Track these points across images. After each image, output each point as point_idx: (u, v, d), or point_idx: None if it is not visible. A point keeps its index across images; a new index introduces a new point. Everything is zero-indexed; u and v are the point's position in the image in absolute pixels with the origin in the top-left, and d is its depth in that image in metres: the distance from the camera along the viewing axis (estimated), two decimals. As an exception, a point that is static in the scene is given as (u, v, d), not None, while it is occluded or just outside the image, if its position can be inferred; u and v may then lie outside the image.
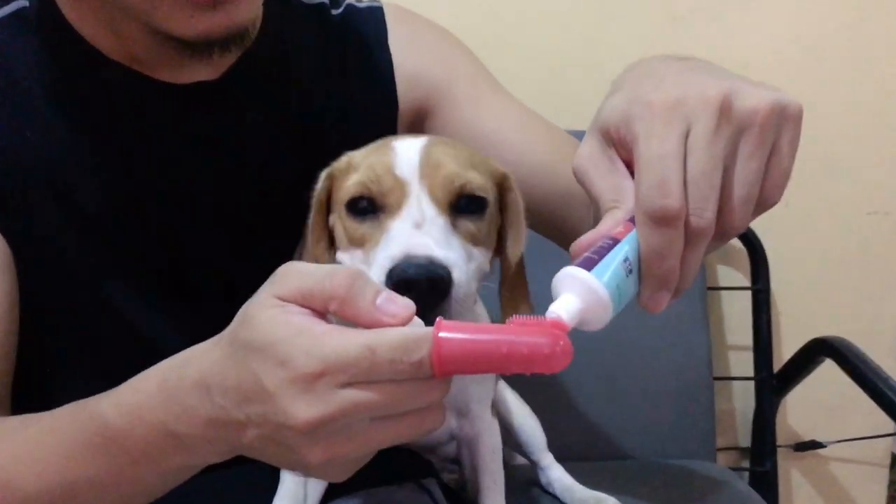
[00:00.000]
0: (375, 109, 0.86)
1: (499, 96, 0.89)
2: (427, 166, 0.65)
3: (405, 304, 0.47)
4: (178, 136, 0.75)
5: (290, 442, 0.47)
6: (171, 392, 0.52)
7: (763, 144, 0.49)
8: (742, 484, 1.25)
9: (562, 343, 0.43)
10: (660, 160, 0.48)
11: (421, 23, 0.90)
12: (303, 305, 0.47)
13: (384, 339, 0.45)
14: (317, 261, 0.69)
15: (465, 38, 0.93)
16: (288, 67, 0.81)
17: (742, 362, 1.53)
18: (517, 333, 0.43)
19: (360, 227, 0.66)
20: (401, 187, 0.64)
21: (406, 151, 0.66)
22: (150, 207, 0.75)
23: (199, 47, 0.68)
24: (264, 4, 0.76)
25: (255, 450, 0.50)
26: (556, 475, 1.15)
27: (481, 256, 0.67)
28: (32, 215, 0.71)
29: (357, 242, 0.66)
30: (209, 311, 0.75)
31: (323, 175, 0.72)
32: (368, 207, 0.66)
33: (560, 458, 1.18)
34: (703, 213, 0.48)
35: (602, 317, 0.47)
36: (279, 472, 0.79)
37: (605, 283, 0.47)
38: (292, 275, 0.49)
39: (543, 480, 1.16)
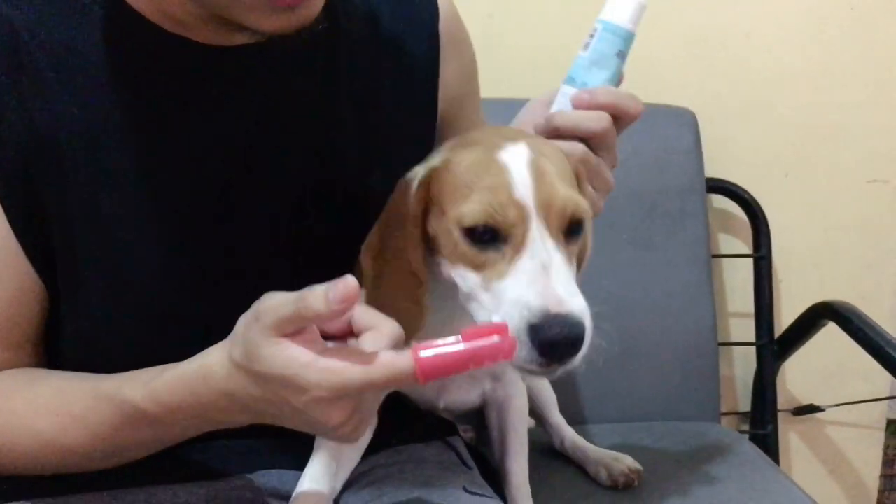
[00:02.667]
0: (422, 89, 0.86)
1: (478, 120, 0.94)
2: (541, 191, 0.65)
3: (346, 285, 0.55)
4: (221, 100, 0.74)
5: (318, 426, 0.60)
6: (204, 400, 0.62)
7: None
8: (748, 444, 1.28)
9: (510, 339, 0.55)
10: None
11: (462, 26, 0.90)
12: (288, 332, 0.57)
13: (377, 374, 0.55)
14: (414, 276, 0.71)
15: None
16: (338, 35, 0.80)
17: (742, 329, 1.56)
18: (476, 341, 0.54)
19: (482, 255, 0.66)
20: (522, 218, 0.64)
21: (518, 170, 0.66)
22: (191, 171, 0.74)
23: (268, 37, 0.68)
24: None
25: (286, 424, 0.62)
26: (568, 434, 1.18)
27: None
28: (76, 187, 0.71)
29: (475, 267, 0.66)
30: (237, 282, 0.76)
31: (416, 182, 0.71)
32: (489, 236, 0.65)
33: (569, 422, 1.20)
34: None
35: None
36: (312, 441, 0.80)
37: None
38: (271, 308, 0.57)
39: (555, 440, 1.18)
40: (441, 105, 0.87)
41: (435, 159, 0.72)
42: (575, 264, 0.68)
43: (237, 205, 0.76)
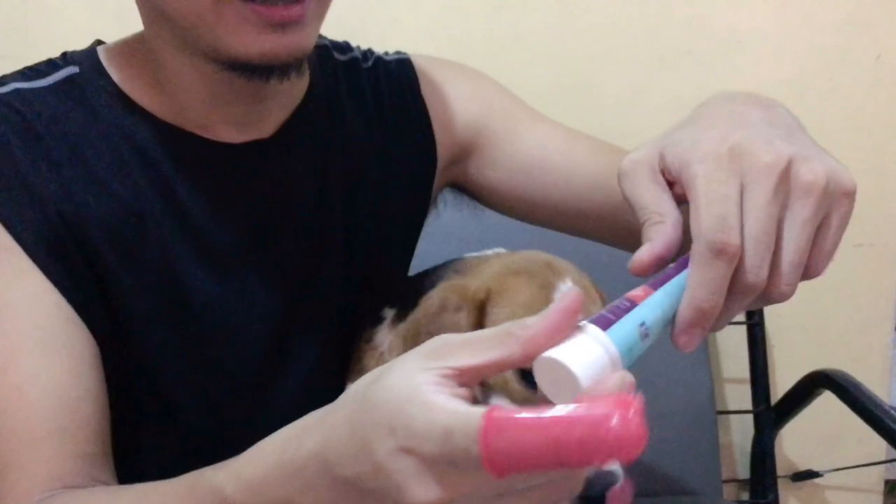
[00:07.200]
0: (416, 158, 0.88)
1: (537, 122, 0.91)
2: None
3: (573, 293, 0.45)
4: (233, 193, 0.76)
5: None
6: (289, 467, 0.49)
7: (816, 215, 0.50)
8: (751, 518, 1.27)
9: (632, 415, 0.35)
10: (722, 199, 0.49)
11: (448, 67, 0.92)
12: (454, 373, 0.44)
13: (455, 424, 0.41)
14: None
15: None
16: (334, 121, 0.83)
17: (738, 395, 1.56)
18: (575, 410, 0.37)
19: (531, 398, 0.63)
20: None
21: None
22: (211, 263, 0.76)
23: (260, 71, 0.68)
24: (308, 61, 0.78)
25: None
26: (573, 515, 1.17)
27: None
28: (105, 279, 0.72)
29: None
30: (255, 367, 0.79)
31: (464, 305, 0.67)
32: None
33: None
34: (760, 272, 0.49)
35: None
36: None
37: (618, 345, 0.46)
38: (452, 339, 0.45)
39: (559, 520, 1.17)
40: (466, 136, 0.89)
41: (475, 275, 0.71)
42: None
43: (250, 293, 0.78)
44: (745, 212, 0.49)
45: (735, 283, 0.50)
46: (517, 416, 0.38)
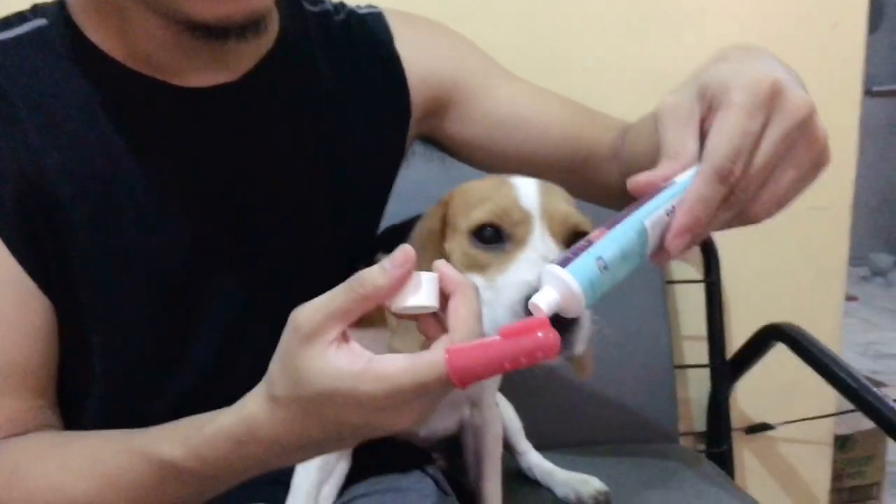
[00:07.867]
0: (391, 110, 0.90)
1: (510, 81, 0.94)
2: (546, 204, 0.70)
3: (404, 250, 0.53)
4: (203, 139, 0.76)
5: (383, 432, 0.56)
6: (250, 452, 0.58)
7: (810, 162, 0.58)
8: (706, 461, 1.33)
9: (550, 336, 0.50)
10: (744, 135, 0.55)
11: (423, 23, 0.94)
12: (334, 334, 0.53)
13: (416, 376, 0.51)
14: None
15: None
16: (305, 68, 0.83)
17: (695, 351, 1.62)
18: (516, 338, 0.50)
19: (485, 254, 0.69)
20: (526, 221, 0.69)
21: (527, 189, 0.71)
22: (182, 211, 0.76)
23: (216, 33, 0.69)
24: (278, 10, 0.79)
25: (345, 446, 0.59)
26: (535, 460, 1.21)
27: None
28: (66, 235, 0.72)
29: (478, 268, 0.69)
30: (227, 320, 0.80)
31: (435, 206, 0.76)
32: (494, 236, 0.69)
33: (535, 448, 1.24)
34: (748, 194, 0.56)
35: (576, 307, 0.54)
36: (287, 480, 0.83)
37: (577, 279, 0.53)
38: (309, 314, 0.53)
39: (524, 466, 1.22)
40: (440, 91, 0.91)
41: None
42: None
43: (225, 238, 0.79)
44: (761, 139, 0.56)
45: (727, 199, 0.56)
46: (468, 347, 0.51)
